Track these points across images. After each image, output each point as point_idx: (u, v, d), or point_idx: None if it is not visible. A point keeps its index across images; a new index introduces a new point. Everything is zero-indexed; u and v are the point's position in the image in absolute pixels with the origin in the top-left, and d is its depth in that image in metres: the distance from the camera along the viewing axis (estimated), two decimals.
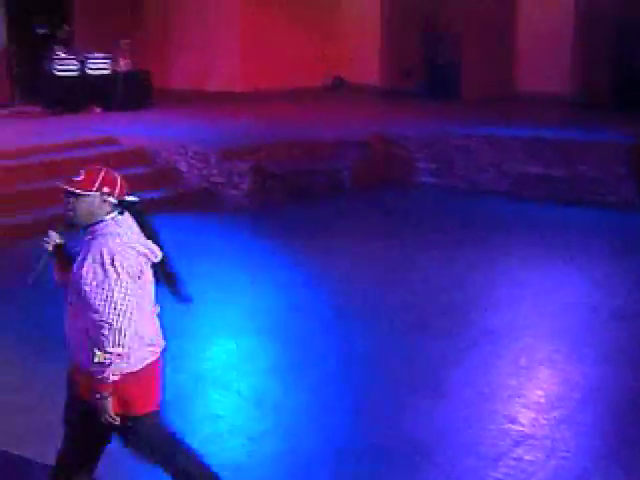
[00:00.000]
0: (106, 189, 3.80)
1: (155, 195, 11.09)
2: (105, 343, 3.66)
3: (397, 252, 9.43)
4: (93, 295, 3.65)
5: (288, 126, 13.54)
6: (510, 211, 11.37)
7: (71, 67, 14.69)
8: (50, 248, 3.90)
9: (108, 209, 3.81)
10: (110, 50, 15.17)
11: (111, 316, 3.65)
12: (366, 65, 17.77)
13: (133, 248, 3.79)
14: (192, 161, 11.62)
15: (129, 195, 3.88)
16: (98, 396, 3.76)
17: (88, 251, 3.72)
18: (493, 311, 7.54)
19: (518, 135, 12.39)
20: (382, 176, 12.65)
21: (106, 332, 3.65)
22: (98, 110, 14.76)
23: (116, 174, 3.93)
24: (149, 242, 3.89)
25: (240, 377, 6.27)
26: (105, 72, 14.92)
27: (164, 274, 4.05)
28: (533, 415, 5.57)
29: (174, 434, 4.13)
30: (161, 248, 3.97)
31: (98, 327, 3.66)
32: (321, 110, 15.47)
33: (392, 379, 6.17)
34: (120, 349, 3.69)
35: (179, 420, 5.55)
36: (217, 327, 7.27)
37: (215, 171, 11.45)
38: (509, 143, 12.29)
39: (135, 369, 3.87)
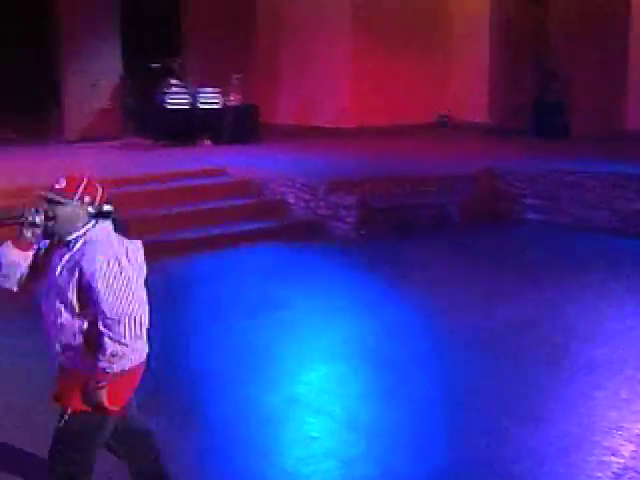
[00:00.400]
0: (87, 198, 3.78)
1: (261, 225, 11.30)
2: (119, 336, 3.70)
3: (497, 284, 9.33)
4: (105, 293, 3.66)
5: (394, 161, 13.59)
6: (615, 247, 11.13)
7: (182, 100, 15.05)
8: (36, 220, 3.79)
9: (87, 219, 3.79)
10: (221, 84, 15.53)
11: (128, 307, 3.71)
12: (473, 103, 17.76)
13: (116, 254, 3.78)
14: (299, 193, 11.72)
15: (106, 204, 3.86)
16: (97, 385, 3.77)
17: (84, 259, 3.70)
18: (592, 343, 7.38)
19: (628, 172, 12.17)
20: (488, 211, 12.54)
21: (121, 325, 3.70)
22: (208, 143, 15.07)
23: (98, 184, 3.90)
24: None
25: (334, 401, 6.27)
26: (215, 106, 15.23)
27: None
28: (634, 448, 5.42)
29: (93, 445, 4.01)
30: None
31: (110, 323, 3.69)
32: (428, 146, 15.49)
33: (488, 406, 6.09)
34: (134, 341, 3.76)
35: (272, 441, 5.62)
36: (312, 352, 7.29)
37: (322, 203, 11.53)
38: (618, 180, 12.06)
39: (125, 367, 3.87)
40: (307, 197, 11.66)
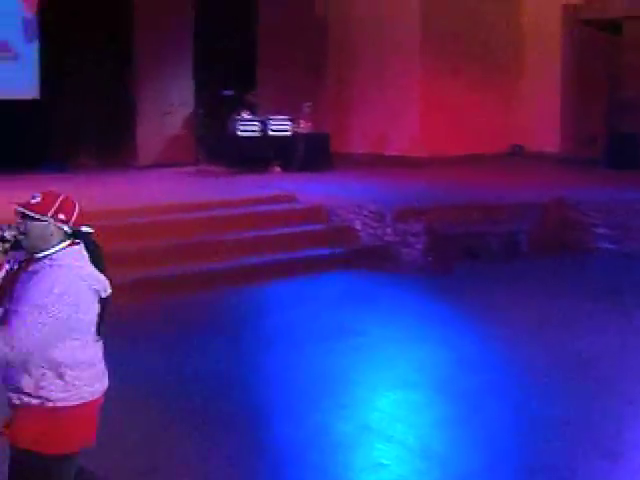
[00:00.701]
0: (62, 216, 3.69)
1: (329, 252, 11.35)
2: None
3: (570, 314, 9.22)
4: (30, 316, 3.52)
5: (464, 189, 13.57)
6: None
7: (254, 128, 15.24)
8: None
9: (61, 237, 3.70)
10: (292, 112, 15.71)
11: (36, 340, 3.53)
12: (546, 133, 17.63)
13: (85, 281, 3.68)
14: (367, 220, 11.75)
15: (84, 226, 3.77)
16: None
17: (40, 279, 3.60)
18: None
19: None
20: (559, 240, 12.42)
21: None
22: (278, 170, 15.20)
23: (75, 203, 3.80)
24: (101, 276, 3.76)
25: (406, 428, 6.23)
26: (286, 133, 15.38)
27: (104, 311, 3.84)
28: None
29: None
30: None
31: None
32: (498, 175, 15.44)
33: (566, 438, 5.99)
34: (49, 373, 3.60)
35: (343, 468, 5.61)
36: (385, 379, 7.27)
37: (389, 230, 11.54)
38: None
39: (67, 404, 3.69)
40: (374, 224, 11.68)
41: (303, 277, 10.66)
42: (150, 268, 10.00)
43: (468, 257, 11.59)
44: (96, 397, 3.80)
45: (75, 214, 3.74)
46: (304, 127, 15.54)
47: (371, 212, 11.75)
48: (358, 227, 11.84)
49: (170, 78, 16.20)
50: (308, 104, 15.66)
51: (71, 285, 3.62)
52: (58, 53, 15.24)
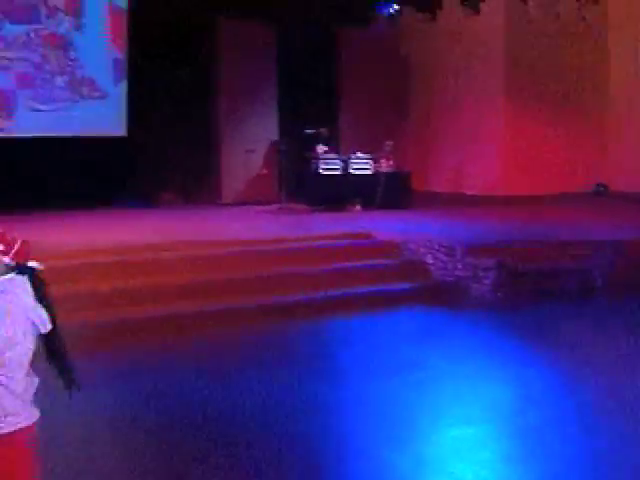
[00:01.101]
0: (0, 247, 3.63)
1: (401, 287, 11.39)
2: None
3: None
4: None
5: (541, 227, 13.46)
6: None
7: (335, 166, 15.41)
8: None
9: (2, 269, 3.62)
10: (373, 151, 15.85)
11: None
12: (631, 172, 17.36)
13: (24, 312, 3.60)
14: (438, 255, 11.76)
15: (30, 261, 3.68)
16: None
17: None
18: None
19: None
20: (636, 280, 12.17)
21: None
22: (358, 208, 15.32)
23: (16, 236, 3.73)
24: (43, 311, 3.65)
25: (467, 465, 6.13)
26: (367, 172, 15.52)
27: (49, 350, 3.72)
28: None
29: None
30: (54, 321, 3.69)
31: None
32: (579, 214, 15.24)
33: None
34: None
35: None
36: (448, 414, 7.19)
37: (459, 265, 11.52)
38: None
39: None
40: (445, 259, 11.67)
41: (375, 311, 10.70)
42: (232, 299, 10.26)
43: (540, 294, 11.46)
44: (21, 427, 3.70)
45: (16, 246, 3.67)
46: (385, 166, 15.62)
47: (442, 247, 11.76)
48: (430, 262, 11.84)
49: (254, 118, 16.54)
50: (389, 143, 15.75)
51: (5, 314, 3.55)
52: (145, 93, 15.73)
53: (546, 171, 16.98)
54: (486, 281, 11.31)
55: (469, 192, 17.15)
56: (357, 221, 13.90)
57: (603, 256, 12.11)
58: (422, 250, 11.96)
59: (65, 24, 15.20)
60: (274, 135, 16.70)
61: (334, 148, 15.88)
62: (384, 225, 13.37)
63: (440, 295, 11.32)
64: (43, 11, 15.01)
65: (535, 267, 11.63)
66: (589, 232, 13.00)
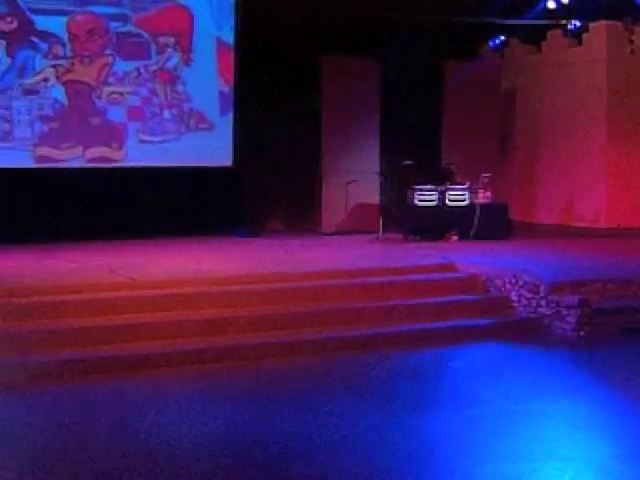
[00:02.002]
0: None
1: (483, 322, 11.42)
2: None
3: None
4: None
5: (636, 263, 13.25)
6: None
7: (431, 198, 15.57)
8: None
9: None
10: (472, 183, 15.94)
11: None
12: None
13: None
14: (522, 291, 11.75)
15: None
16: None
17: None
18: None
19: None
20: None
21: None
22: (455, 239, 15.41)
23: None
24: None
25: None
26: (463, 203, 15.61)
27: None
28: None
29: None
30: None
31: None
32: None
33: None
34: None
35: None
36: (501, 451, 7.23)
37: (543, 302, 11.48)
38: None
39: None
40: (529, 295, 11.65)
41: (455, 346, 10.79)
42: (311, 329, 10.60)
43: (627, 333, 11.32)
44: None
45: None
46: (482, 197, 15.67)
47: (526, 283, 11.74)
48: (513, 298, 11.84)
49: (356, 150, 16.86)
50: (487, 175, 15.83)
51: None
52: (251, 125, 16.24)
53: None
54: (569, 319, 11.23)
55: (574, 224, 16.97)
56: (444, 252, 13.98)
57: None
58: (507, 286, 11.98)
59: (174, 59, 15.83)
60: (375, 167, 16.93)
61: (432, 180, 15.95)
62: (473, 258, 13.40)
63: (523, 332, 11.32)
64: (153, 48, 15.68)
65: (621, 305, 11.48)
66: None
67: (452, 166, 16.36)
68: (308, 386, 9.07)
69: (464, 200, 15.68)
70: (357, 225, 16.51)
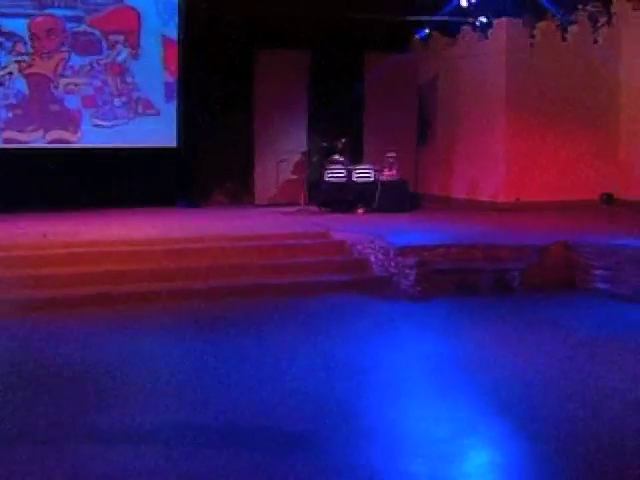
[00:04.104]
0: None
1: (347, 278, 13.75)
2: None
3: (511, 341, 10.92)
4: None
5: (498, 232, 15.41)
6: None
7: (340, 175, 17.85)
8: None
9: None
10: (394, 161, 18.21)
11: None
12: (637, 183, 18.79)
13: None
14: (377, 254, 14.02)
15: None
16: None
17: None
18: None
19: None
20: (558, 280, 13.98)
21: None
22: (361, 211, 17.67)
23: None
24: None
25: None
26: (369, 180, 17.87)
27: None
28: None
29: None
30: None
31: None
32: (546, 221, 16.93)
33: None
34: None
35: None
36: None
37: (392, 263, 13.74)
38: None
39: None
40: (382, 257, 13.93)
41: (321, 296, 13.09)
42: (204, 280, 13.18)
43: (461, 290, 13.54)
44: None
45: None
46: (387, 175, 17.89)
47: (381, 247, 14.01)
48: (371, 259, 14.14)
49: (286, 132, 19.17)
50: (392, 155, 18.02)
51: None
52: (193, 110, 18.64)
53: (550, 181, 18.70)
54: (410, 277, 13.49)
55: (480, 198, 19.12)
56: (320, 222, 16.31)
57: (526, 258, 14.01)
58: (367, 250, 14.27)
59: (123, 54, 18.27)
60: (303, 147, 19.24)
61: (342, 159, 18.19)
62: (350, 227, 15.68)
63: (376, 287, 13.62)
64: (104, 44, 18.13)
65: (456, 266, 13.69)
66: (534, 236, 14.84)
67: (338, 143, 18.49)
68: (193, 323, 11.65)
69: (370, 177, 17.91)
70: (286, 198, 18.84)
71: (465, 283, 13.66)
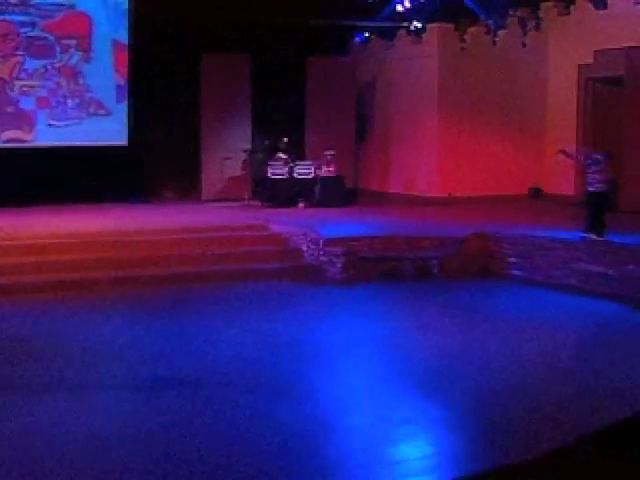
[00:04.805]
0: None
1: (281, 266, 14.89)
2: None
3: (435, 323, 12.18)
4: None
5: (426, 224, 16.61)
6: (549, 302, 13.48)
7: (282, 171, 18.97)
8: None
9: None
10: (332, 159, 19.32)
11: None
12: (563, 177, 20.01)
13: None
14: (309, 244, 15.17)
15: None
16: None
17: None
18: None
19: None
20: (474, 267, 15.18)
21: None
22: (302, 206, 18.79)
23: None
24: None
25: None
26: (309, 176, 18.99)
27: None
28: None
29: None
30: None
31: None
32: (474, 213, 18.12)
33: None
34: None
35: None
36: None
37: (322, 252, 14.89)
38: (575, 245, 14.35)
39: None
40: (313, 247, 15.07)
41: (257, 282, 14.29)
42: (146, 268, 14.43)
43: (384, 276, 14.70)
44: None
45: None
46: (325, 171, 19.02)
47: (312, 238, 15.15)
48: (304, 249, 15.27)
49: (230, 131, 20.26)
50: (330, 152, 19.15)
51: None
52: (143, 111, 19.66)
53: (481, 176, 19.90)
54: (338, 265, 14.64)
55: (415, 193, 20.31)
56: (260, 215, 17.51)
57: (444, 249, 15.20)
58: (300, 241, 15.42)
59: (76, 57, 19.27)
60: (247, 145, 20.33)
61: (284, 156, 19.29)
62: (281, 219, 16.82)
63: (307, 274, 14.76)
64: (58, 48, 19.12)
65: (380, 255, 14.85)
66: (456, 229, 16.03)
67: (280, 142, 19.60)
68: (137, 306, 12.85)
69: (310, 173, 19.03)
70: (231, 194, 19.92)
71: (388, 270, 14.85)
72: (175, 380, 9.30)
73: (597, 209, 14.68)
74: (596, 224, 14.47)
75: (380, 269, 14.82)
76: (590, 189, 14.88)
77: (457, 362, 10.16)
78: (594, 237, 14.36)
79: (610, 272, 13.78)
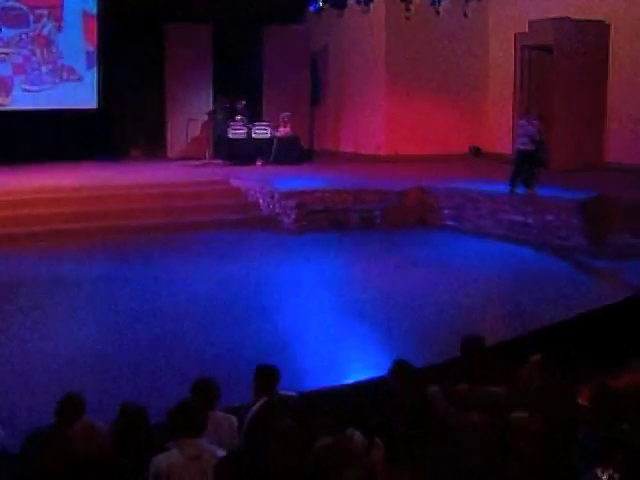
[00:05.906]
0: None
1: (240, 217, 16.59)
2: None
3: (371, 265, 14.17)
4: None
5: (371, 179, 18.30)
6: (477, 248, 15.32)
7: (241, 132, 20.60)
8: None
9: None
10: (289, 120, 20.96)
11: None
12: (501, 137, 21.77)
13: None
14: (265, 197, 16.88)
15: None
16: None
17: None
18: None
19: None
20: (414, 218, 16.94)
21: None
22: (259, 164, 20.45)
23: None
24: None
25: None
26: (265, 136, 20.66)
27: None
28: None
29: None
30: None
31: None
32: (414, 170, 19.82)
33: None
34: None
35: None
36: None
37: (277, 205, 16.61)
38: (501, 198, 16.15)
39: None
40: (269, 200, 16.79)
41: (218, 231, 15.97)
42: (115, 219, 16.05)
43: (333, 226, 16.45)
44: None
45: None
46: (282, 132, 20.67)
47: (268, 192, 16.87)
48: (261, 202, 16.99)
49: (194, 94, 21.86)
50: (286, 114, 20.77)
51: None
52: (111, 76, 21.18)
53: (426, 135, 21.61)
54: (291, 216, 16.38)
55: (364, 152, 22.03)
56: (222, 172, 19.22)
57: (386, 201, 16.95)
58: (257, 195, 17.13)
59: (48, 27, 20.71)
60: (209, 108, 21.94)
61: (243, 118, 20.91)
62: (249, 177, 18.44)
63: (263, 224, 16.48)
64: (31, 18, 20.56)
65: (329, 207, 16.59)
66: (399, 183, 17.75)
67: (238, 104, 21.19)
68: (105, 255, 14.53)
69: (267, 134, 20.68)
70: (195, 153, 21.54)
71: (336, 221, 16.60)
72: (147, 312, 11.08)
73: (522, 166, 16.39)
74: (519, 179, 16.19)
75: (329, 219, 16.56)
76: (520, 147, 16.56)
77: (396, 296, 12.03)
78: (511, 190, 16.03)
79: (530, 221, 15.63)
